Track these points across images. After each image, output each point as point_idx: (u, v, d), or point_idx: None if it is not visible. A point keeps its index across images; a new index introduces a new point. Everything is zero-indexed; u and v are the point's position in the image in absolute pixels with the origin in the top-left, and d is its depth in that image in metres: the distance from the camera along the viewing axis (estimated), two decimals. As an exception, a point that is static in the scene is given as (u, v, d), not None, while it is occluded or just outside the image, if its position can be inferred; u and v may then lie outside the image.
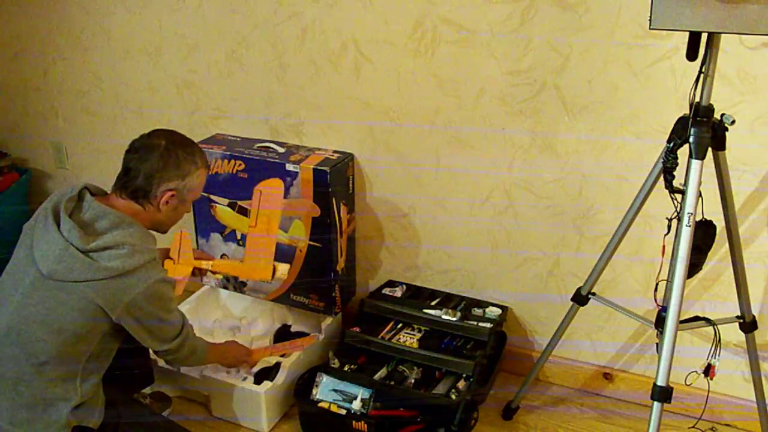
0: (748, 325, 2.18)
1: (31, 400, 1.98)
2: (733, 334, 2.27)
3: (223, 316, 3.02)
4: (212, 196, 2.89)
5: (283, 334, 2.90)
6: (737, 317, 2.19)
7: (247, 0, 2.81)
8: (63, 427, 2.00)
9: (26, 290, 1.96)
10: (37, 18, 3.36)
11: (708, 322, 2.12)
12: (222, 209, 2.89)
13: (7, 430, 2.00)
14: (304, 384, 2.62)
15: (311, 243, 2.76)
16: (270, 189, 2.65)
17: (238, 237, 2.91)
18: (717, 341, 2.12)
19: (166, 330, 2.11)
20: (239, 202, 2.84)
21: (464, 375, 2.56)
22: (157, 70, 3.15)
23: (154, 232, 2.14)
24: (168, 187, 2.06)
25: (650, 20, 1.64)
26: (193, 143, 2.16)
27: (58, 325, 1.94)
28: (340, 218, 2.75)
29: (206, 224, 2.97)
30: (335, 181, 2.68)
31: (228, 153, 2.79)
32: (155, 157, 2.04)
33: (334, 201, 2.69)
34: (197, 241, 3.03)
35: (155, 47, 3.10)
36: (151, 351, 2.24)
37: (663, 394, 1.87)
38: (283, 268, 2.61)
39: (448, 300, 2.85)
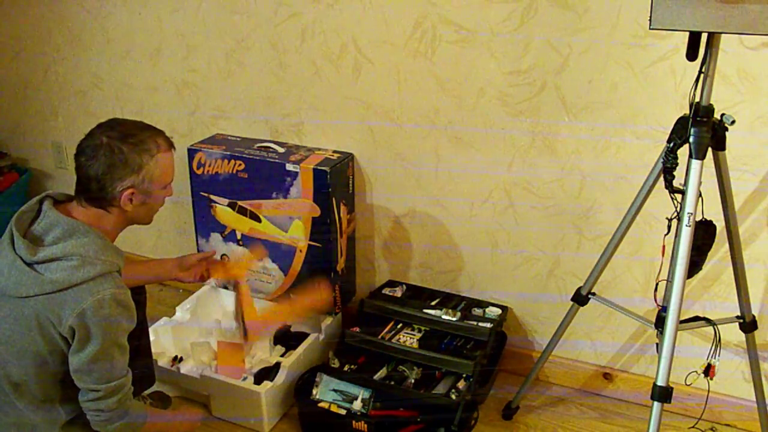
0: (748, 325, 2.18)
1: (17, 421, 1.93)
2: (733, 334, 2.27)
3: (223, 316, 3.02)
4: (212, 196, 2.89)
5: (283, 335, 2.89)
6: (737, 317, 2.19)
7: (247, 0, 2.81)
8: None
9: None
10: (37, 18, 3.37)
11: (708, 322, 2.12)
12: (222, 209, 2.89)
13: None
14: (304, 384, 2.62)
15: (311, 243, 2.76)
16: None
17: (238, 237, 2.91)
18: (717, 341, 2.12)
19: (105, 364, 1.85)
20: (239, 202, 2.84)
21: (464, 375, 2.56)
22: (157, 70, 3.15)
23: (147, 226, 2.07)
24: (124, 186, 1.87)
25: (650, 20, 1.64)
26: (141, 130, 1.92)
27: (19, 345, 1.84)
28: (340, 218, 2.75)
29: (206, 224, 2.97)
30: (335, 181, 2.68)
31: (228, 153, 2.79)
32: (100, 159, 1.84)
33: (334, 201, 2.69)
34: (197, 241, 3.04)
35: (155, 47, 3.10)
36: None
37: (663, 394, 1.87)
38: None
39: (448, 300, 2.85)
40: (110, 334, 1.82)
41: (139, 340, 2.13)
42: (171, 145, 2.00)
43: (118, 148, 1.84)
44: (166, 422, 2.22)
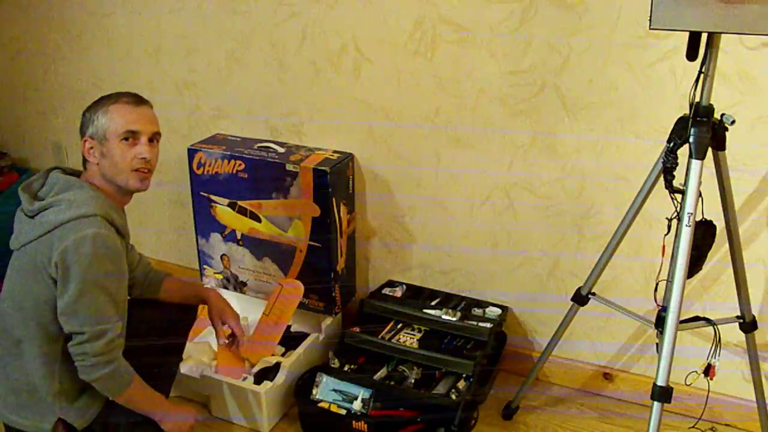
0: (748, 325, 2.18)
1: (16, 384, 2.00)
2: (733, 334, 2.27)
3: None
4: (212, 196, 2.89)
5: (283, 335, 2.89)
6: (737, 317, 2.19)
7: (247, 0, 2.81)
8: (47, 414, 2.00)
9: (6, 270, 2.02)
10: (37, 18, 3.37)
11: (708, 322, 2.12)
12: (222, 209, 2.89)
13: (3, 414, 2.03)
14: (304, 384, 2.62)
15: (311, 243, 2.76)
16: (290, 290, 2.73)
17: (238, 237, 2.91)
18: (717, 341, 2.12)
19: (88, 305, 1.90)
20: (239, 202, 2.84)
21: (464, 375, 2.56)
22: (157, 70, 3.15)
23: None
24: (84, 140, 2.04)
25: (650, 20, 1.64)
26: (104, 97, 2.10)
27: (20, 296, 1.96)
28: (340, 218, 2.75)
29: (206, 224, 2.97)
30: (335, 181, 2.68)
31: (228, 153, 2.79)
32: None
33: (334, 201, 2.69)
34: (197, 241, 3.04)
35: (155, 47, 3.10)
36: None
37: (663, 394, 1.87)
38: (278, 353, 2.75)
39: (448, 300, 2.85)
40: (90, 273, 1.88)
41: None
42: (135, 101, 2.07)
43: (83, 114, 2.07)
44: (153, 400, 2.14)
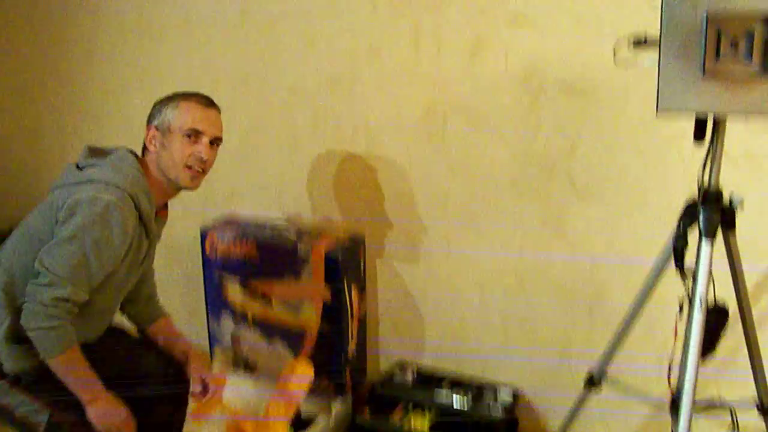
0: (766, 409, 2.14)
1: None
2: (751, 418, 2.23)
3: (232, 398, 2.99)
4: (224, 277, 2.90)
5: (294, 418, 2.86)
6: (754, 401, 2.15)
7: (261, 85, 2.87)
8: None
9: None
10: (60, 104, 3.44)
11: (724, 406, 2.08)
12: (233, 290, 2.90)
13: None
14: (313, 469, 2.58)
15: (322, 325, 2.75)
16: (300, 372, 2.65)
17: (249, 318, 2.91)
18: (735, 426, 2.08)
19: (70, 253, 1.92)
20: (250, 284, 2.85)
21: (476, 460, 2.52)
22: (172, 153, 3.19)
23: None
24: (150, 127, 2.13)
25: (657, 104, 1.66)
26: (178, 93, 2.19)
27: (22, 227, 2.06)
28: (351, 301, 2.75)
29: (217, 305, 2.97)
30: (347, 264, 2.69)
31: (240, 234, 2.81)
32: None
33: (345, 284, 2.69)
34: (208, 323, 3.03)
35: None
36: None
37: (679, 481, 1.83)
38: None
39: (459, 383, 2.82)
40: (87, 230, 1.92)
41: None
42: (205, 103, 2.17)
43: (156, 102, 2.17)
44: (87, 378, 2.02)
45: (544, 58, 2.39)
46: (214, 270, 2.92)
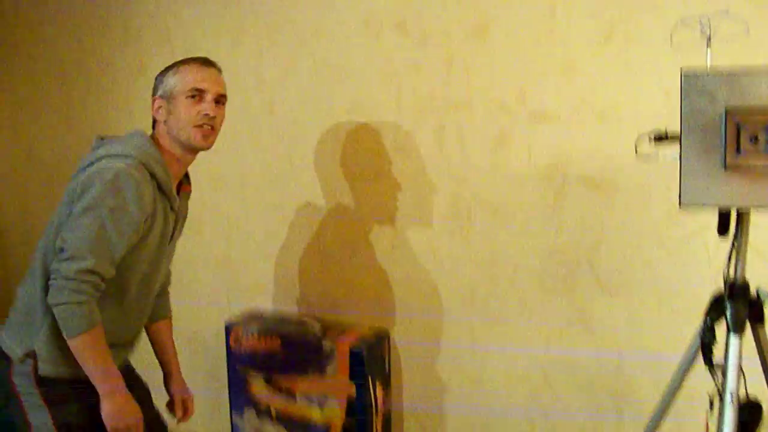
0: None
1: (20, 303, 2.09)
2: None
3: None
4: (248, 372, 2.89)
5: None
6: (791, 503, 2.08)
7: (287, 182, 2.92)
8: (26, 337, 2.03)
9: None
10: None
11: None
12: (257, 385, 2.88)
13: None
14: None
15: (347, 421, 2.72)
16: None
17: (273, 413, 2.88)
18: None
19: (88, 226, 1.91)
20: (274, 379, 2.84)
21: None
22: (196, 245, 3.23)
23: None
24: (154, 99, 2.12)
25: (679, 198, 1.67)
26: (176, 61, 2.17)
27: (50, 220, 2.05)
28: (375, 397, 2.72)
29: (241, 399, 2.95)
30: (371, 360, 2.67)
31: (265, 329, 2.82)
32: None
33: (370, 379, 2.67)
34: (231, 417, 3.00)
35: (197, 223, 3.19)
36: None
37: None
38: None
39: (486, 484, 2.76)
40: (101, 200, 1.91)
41: None
42: (203, 62, 2.13)
43: (157, 75, 2.15)
44: (107, 366, 1.99)
45: (567, 152, 2.42)
46: (238, 364, 2.91)
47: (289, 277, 3.04)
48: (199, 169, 3.12)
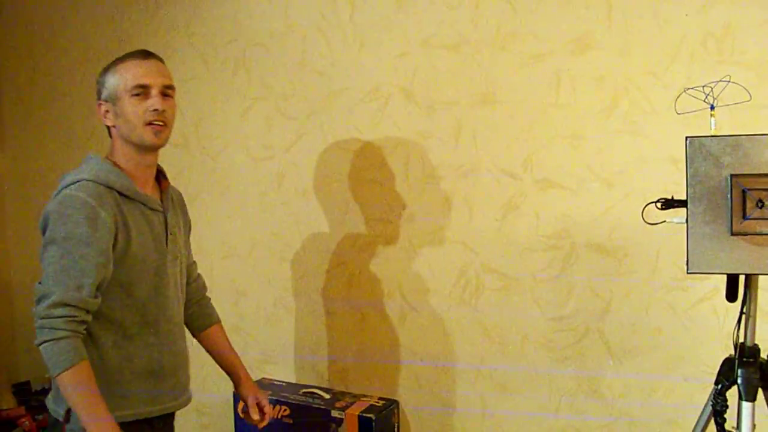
0: None
1: None
2: None
3: None
4: (257, 443, 2.87)
5: None
6: None
7: (296, 249, 2.93)
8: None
9: None
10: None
11: None
12: (266, 456, 2.85)
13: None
14: None
15: (356, 492, 2.69)
16: None
17: (282, 485, 2.85)
18: None
19: (47, 259, 1.85)
20: (283, 448, 2.81)
21: None
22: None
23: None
24: (99, 104, 2.01)
25: (687, 264, 1.67)
26: (115, 60, 2.04)
27: None
28: (385, 466, 2.70)
29: (249, 472, 2.92)
30: (381, 428, 2.65)
31: (274, 398, 2.80)
32: None
33: (379, 448, 2.65)
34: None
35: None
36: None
37: None
38: None
39: None
40: (58, 228, 1.85)
41: None
42: (142, 56, 2.00)
43: (98, 77, 2.03)
44: (90, 399, 1.83)
45: (575, 219, 2.44)
46: (247, 434, 2.89)
47: (298, 346, 3.03)
48: (209, 236, 3.16)
